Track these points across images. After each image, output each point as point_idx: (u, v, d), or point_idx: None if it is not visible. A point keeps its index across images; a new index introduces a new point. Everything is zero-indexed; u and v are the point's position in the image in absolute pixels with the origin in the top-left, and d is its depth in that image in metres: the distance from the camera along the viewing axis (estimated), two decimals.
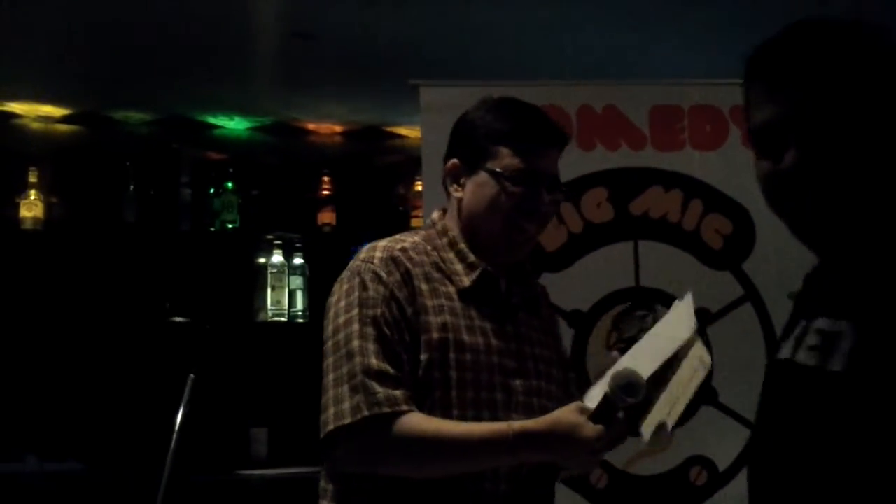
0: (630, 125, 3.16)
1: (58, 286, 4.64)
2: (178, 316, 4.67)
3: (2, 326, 4.52)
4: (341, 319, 1.93)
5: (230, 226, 4.80)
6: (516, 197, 1.99)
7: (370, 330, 1.89)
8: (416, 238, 2.06)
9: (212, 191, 4.88)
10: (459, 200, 2.05)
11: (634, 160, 3.15)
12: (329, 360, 1.93)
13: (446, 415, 1.88)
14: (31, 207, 4.72)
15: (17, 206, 4.72)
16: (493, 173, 1.99)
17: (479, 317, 1.98)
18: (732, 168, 3.15)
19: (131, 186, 4.81)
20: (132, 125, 5.03)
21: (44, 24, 3.91)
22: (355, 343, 1.89)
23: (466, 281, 1.99)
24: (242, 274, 4.68)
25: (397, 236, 2.06)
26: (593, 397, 1.82)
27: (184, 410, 3.06)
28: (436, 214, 2.12)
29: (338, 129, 5.08)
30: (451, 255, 2.02)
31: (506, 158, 1.99)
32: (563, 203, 3.09)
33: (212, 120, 5.06)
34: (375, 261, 1.97)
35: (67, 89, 4.72)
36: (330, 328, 1.96)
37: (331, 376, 1.91)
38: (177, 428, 3.04)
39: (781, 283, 3.08)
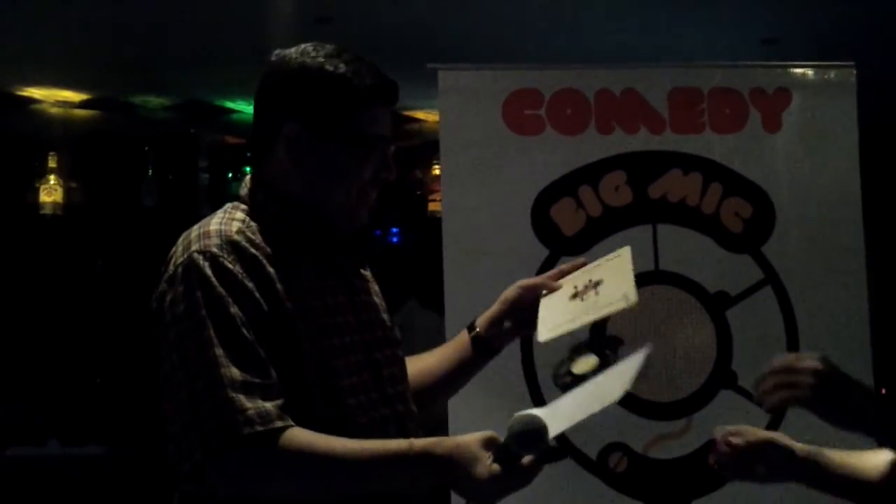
0: (649, 108, 3.14)
1: (77, 271, 4.66)
2: None
3: (22, 311, 4.55)
4: (185, 326, 1.62)
5: None
6: (374, 164, 1.76)
7: (224, 335, 1.61)
8: (240, 215, 1.75)
9: (230, 175, 4.90)
10: (292, 168, 1.75)
11: (653, 143, 3.13)
12: (177, 376, 1.62)
13: (332, 410, 1.67)
14: (51, 192, 4.75)
15: (36, 191, 4.75)
16: (352, 141, 1.74)
17: (331, 293, 1.75)
18: (752, 151, 3.13)
19: (150, 171, 4.83)
20: (150, 110, 5.04)
21: (62, 10, 3.92)
22: (209, 352, 1.60)
23: (312, 257, 1.75)
24: None
25: (219, 216, 1.75)
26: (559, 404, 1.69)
27: None
28: (251, 184, 1.80)
29: None
30: (287, 230, 1.74)
31: (362, 122, 1.75)
32: (581, 186, 3.14)
33: (229, 104, 5.07)
34: (213, 248, 1.66)
35: (86, 74, 4.74)
36: (171, 337, 1.64)
37: (183, 393, 1.61)
38: None
39: (801, 267, 3.06)
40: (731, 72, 3.19)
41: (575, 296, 1.94)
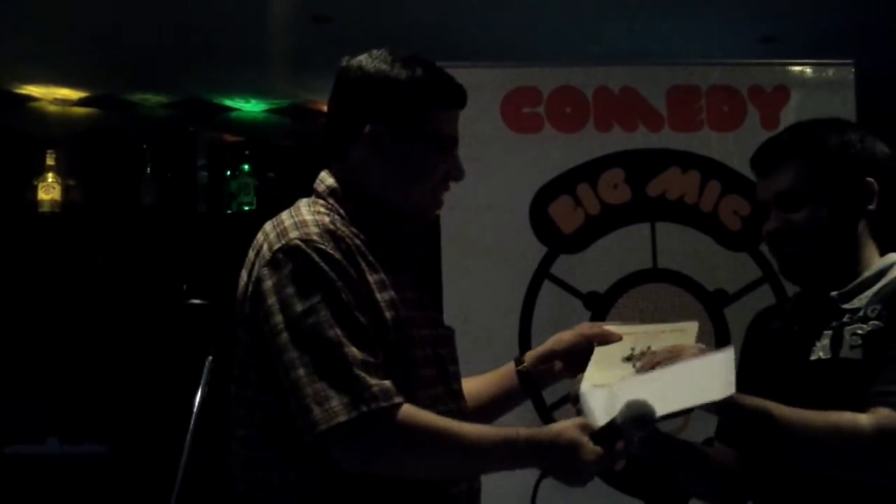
0: (647, 106, 3.15)
1: (76, 269, 4.66)
2: (196, 298, 4.69)
3: (20, 310, 4.55)
4: (299, 307, 1.69)
5: (246, 208, 4.82)
6: (447, 165, 1.87)
7: (341, 316, 1.69)
8: (324, 210, 1.83)
9: (228, 173, 4.90)
10: (371, 167, 1.84)
11: (652, 141, 3.14)
12: (292, 355, 1.68)
13: (410, 399, 1.72)
14: (49, 190, 4.75)
15: (34, 189, 4.75)
16: (428, 141, 1.84)
17: (406, 288, 1.83)
18: (750, 149, 3.09)
19: (148, 169, 4.82)
20: (149, 108, 5.04)
21: (61, 6, 3.92)
22: (329, 332, 1.67)
23: (386, 253, 1.83)
24: None
25: (304, 209, 1.82)
26: (592, 408, 1.78)
27: (202, 392, 3.07)
28: (330, 180, 1.88)
29: None
30: (365, 225, 1.83)
31: (439, 123, 1.85)
32: (580, 184, 3.14)
33: (228, 102, 5.06)
34: (315, 237, 1.73)
35: (84, 72, 4.74)
36: (279, 318, 1.70)
37: (301, 371, 1.67)
38: (195, 409, 3.05)
39: None
40: (730, 70, 3.20)
41: (629, 359, 1.95)
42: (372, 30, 4.01)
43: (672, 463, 2.04)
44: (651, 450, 1.98)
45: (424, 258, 1.99)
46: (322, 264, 1.71)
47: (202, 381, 3.08)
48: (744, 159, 3.15)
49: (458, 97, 1.90)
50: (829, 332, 1.90)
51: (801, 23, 4.16)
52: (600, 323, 2.09)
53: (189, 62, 4.55)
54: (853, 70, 3.17)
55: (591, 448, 1.70)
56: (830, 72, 3.19)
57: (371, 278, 1.76)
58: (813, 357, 1.89)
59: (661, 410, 1.69)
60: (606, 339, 2.01)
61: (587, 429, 1.72)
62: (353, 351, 1.67)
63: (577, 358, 2.01)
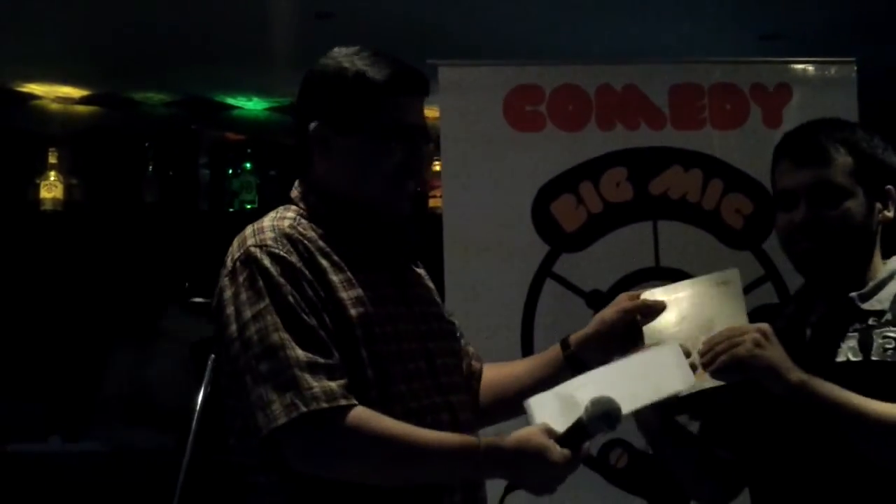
0: (650, 104, 3.14)
1: (78, 267, 4.66)
2: (198, 296, 4.69)
3: (23, 308, 4.56)
4: (248, 314, 1.70)
5: (249, 206, 4.82)
6: (401, 156, 1.81)
7: (287, 319, 1.68)
8: (291, 214, 1.82)
9: (230, 171, 4.90)
10: (328, 167, 1.83)
11: (654, 139, 3.13)
12: (241, 362, 1.70)
13: (384, 394, 1.73)
14: (51, 189, 4.75)
15: (36, 188, 4.75)
16: (373, 132, 1.80)
17: (382, 285, 1.81)
18: (753, 147, 3.13)
19: (150, 167, 4.83)
20: (151, 106, 5.04)
21: (63, 5, 3.92)
22: (274, 336, 1.67)
23: (361, 251, 1.81)
24: None
25: (271, 215, 1.83)
26: (538, 414, 1.75)
27: (205, 391, 3.07)
28: (298, 187, 1.88)
29: None
30: (335, 227, 1.82)
31: (388, 113, 1.80)
32: (582, 182, 3.14)
33: (230, 101, 5.07)
34: (269, 241, 1.74)
35: (87, 70, 4.74)
36: (233, 326, 1.72)
37: (248, 377, 1.68)
38: (198, 408, 3.05)
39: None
40: (732, 68, 3.19)
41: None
42: (374, 27, 4.01)
43: (676, 453, 2.04)
44: (662, 441, 1.98)
45: (414, 254, 1.98)
46: (272, 269, 1.72)
47: (205, 381, 3.08)
48: (746, 157, 3.18)
49: (406, 84, 1.84)
50: (855, 333, 1.90)
51: (803, 21, 4.15)
52: (638, 292, 2.03)
53: (191, 60, 4.55)
54: (855, 68, 3.16)
55: (559, 452, 1.67)
56: (832, 70, 3.19)
57: (335, 278, 1.75)
58: (840, 359, 1.89)
59: (626, 408, 1.70)
60: (649, 311, 1.98)
61: (552, 433, 1.69)
62: (297, 353, 1.67)
63: (624, 335, 1.98)
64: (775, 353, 1.81)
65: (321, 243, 1.78)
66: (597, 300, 3.06)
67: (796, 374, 1.80)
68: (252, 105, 5.10)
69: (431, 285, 2.02)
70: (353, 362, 1.72)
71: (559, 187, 3.10)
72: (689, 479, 2.10)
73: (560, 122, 3.13)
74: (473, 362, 2.06)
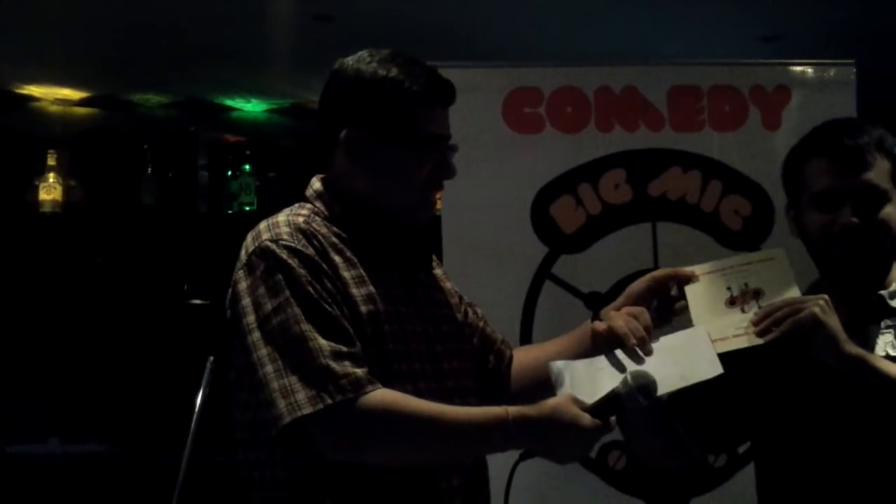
0: (649, 106, 3.14)
1: (77, 269, 4.66)
2: (197, 298, 4.70)
3: (22, 310, 4.55)
4: (269, 306, 1.72)
5: (247, 208, 4.82)
6: (432, 166, 1.84)
7: (310, 310, 1.70)
8: (305, 211, 1.85)
9: (229, 173, 4.90)
10: (354, 169, 1.85)
11: (653, 141, 3.13)
12: (262, 353, 1.71)
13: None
14: (50, 190, 4.75)
15: (35, 190, 4.75)
16: (408, 141, 1.81)
17: (393, 285, 1.83)
18: (752, 149, 3.13)
19: (149, 169, 4.83)
20: (150, 108, 5.04)
21: (62, 6, 3.92)
22: (296, 328, 1.69)
23: (373, 251, 1.84)
24: None
25: (286, 212, 1.85)
26: (568, 383, 1.78)
27: (203, 392, 3.07)
28: (318, 184, 1.90)
29: None
30: (350, 226, 1.84)
31: (419, 123, 1.82)
32: (581, 184, 3.13)
33: (229, 102, 5.07)
34: (285, 236, 1.76)
35: (85, 72, 4.74)
36: (251, 318, 1.73)
37: (269, 368, 1.69)
38: (197, 409, 3.05)
39: (798, 264, 3.07)
40: (731, 70, 3.19)
41: (733, 302, 1.93)
42: (374, 29, 4.02)
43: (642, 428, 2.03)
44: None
45: (428, 256, 2.00)
46: (290, 262, 1.73)
47: (203, 382, 3.08)
48: (745, 159, 3.18)
49: (441, 95, 1.86)
50: (890, 330, 1.91)
51: (802, 23, 4.16)
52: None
53: (190, 62, 4.55)
54: (854, 70, 3.17)
55: (589, 420, 1.68)
56: (832, 72, 3.19)
57: (347, 274, 1.77)
58: (879, 353, 1.88)
59: (663, 388, 1.73)
60: (679, 277, 1.97)
61: (579, 403, 1.71)
62: (321, 343, 1.68)
63: (658, 308, 1.98)
64: (835, 323, 1.80)
65: (334, 240, 1.80)
66: (596, 302, 3.06)
67: (853, 347, 1.80)
68: (251, 107, 5.10)
69: (449, 286, 2.04)
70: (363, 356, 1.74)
71: (558, 189, 3.10)
72: (643, 444, 2.11)
73: (559, 124, 3.12)
74: (503, 348, 2.09)
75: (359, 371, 1.69)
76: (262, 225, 1.81)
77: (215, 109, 5.07)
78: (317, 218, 1.83)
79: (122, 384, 4.54)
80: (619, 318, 1.92)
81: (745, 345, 1.85)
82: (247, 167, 4.90)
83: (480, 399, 1.91)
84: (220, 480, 4.15)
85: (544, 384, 1.92)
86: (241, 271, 1.78)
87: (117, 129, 4.95)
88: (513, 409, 1.71)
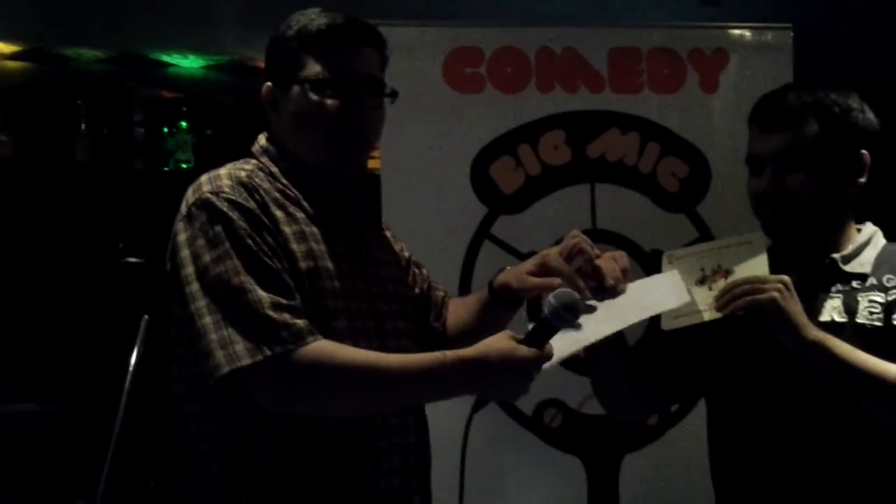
0: (589, 67, 3.15)
1: (8, 227, 4.58)
2: (132, 256, 4.64)
3: None
4: (207, 258, 1.72)
5: (184, 165, 4.75)
6: (331, 106, 1.83)
7: (249, 263, 1.70)
8: (248, 166, 1.86)
9: (165, 130, 4.82)
10: (279, 126, 1.89)
11: (593, 103, 3.14)
12: (200, 304, 1.70)
13: None
14: None
15: None
16: (302, 85, 1.83)
17: (335, 242, 1.84)
18: (689, 112, 3.16)
19: (83, 125, 4.74)
20: (84, 62, 4.94)
21: None
22: (235, 280, 1.69)
23: (314, 207, 1.85)
24: None
25: (228, 166, 1.86)
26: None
27: (138, 351, 3.04)
28: (263, 141, 1.93)
29: None
30: (290, 182, 1.86)
31: (314, 65, 1.83)
32: (520, 145, 3.14)
33: (166, 58, 4.98)
34: (226, 189, 1.76)
35: (17, 25, 4.62)
36: (190, 270, 1.73)
37: (207, 319, 1.69)
38: (131, 368, 3.03)
39: (734, 226, 3.10)
40: (670, 32, 3.21)
41: (703, 280, 1.96)
42: None
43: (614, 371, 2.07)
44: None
45: (371, 215, 2.01)
46: (230, 214, 1.73)
47: (138, 341, 3.06)
48: (683, 121, 3.20)
49: (340, 33, 1.86)
50: (839, 295, 1.93)
51: None
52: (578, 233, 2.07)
53: (126, 16, 4.46)
54: (791, 34, 3.20)
55: (525, 349, 1.70)
56: (769, 36, 3.22)
57: (288, 229, 1.78)
58: (825, 318, 1.91)
59: (616, 326, 1.81)
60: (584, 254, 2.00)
61: (514, 337, 1.73)
62: (261, 294, 1.68)
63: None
64: (795, 308, 1.82)
65: (276, 195, 1.81)
66: None
67: (813, 332, 1.82)
68: (188, 63, 5.02)
69: (399, 247, 2.07)
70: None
71: (498, 149, 3.10)
72: (611, 392, 2.15)
73: (500, 85, 3.12)
74: (438, 291, 2.14)
75: (299, 322, 1.69)
76: (204, 178, 1.81)
77: (152, 65, 4.98)
78: (259, 173, 1.84)
79: (55, 343, 4.48)
80: (603, 260, 1.99)
81: (705, 319, 1.90)
82: (183, 124, 4.83)
83: None
84: (155, 440, 4.13)
85: (473, 332, 1.99)
86: (181, 223, 1.78)
87: (50, 83, 4.84)
88: (450, 352, 1.73)
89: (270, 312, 1.67)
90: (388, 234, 2.06)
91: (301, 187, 1.86)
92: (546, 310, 1.72)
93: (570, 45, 3.15)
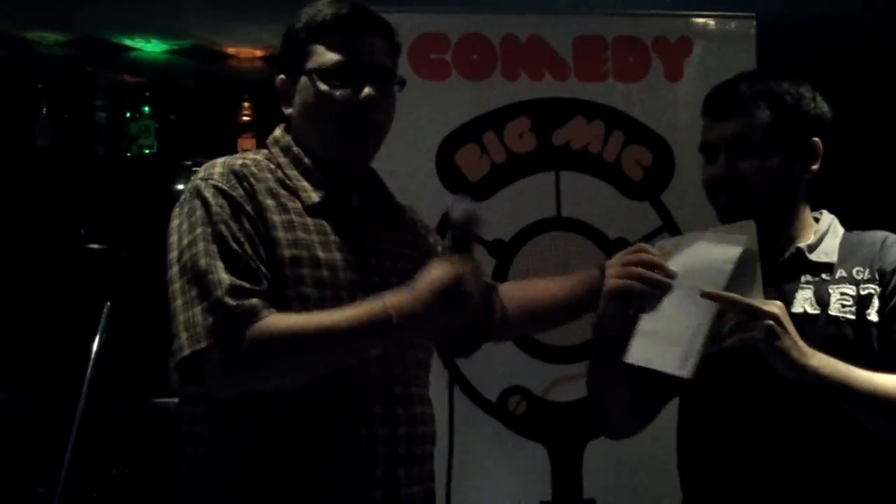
0: (554, 55, 3.16)
1: None
2: (94, 243, 4.59)
3: None
4: (185, 241, 1.78)
5: (147, 151, 4.70)
6: (339, 95, 1.86)
7: (217, 247, 1.75)
8: (257, 156, 1.92)
9: (128, 115, 4.77)
10: (291, 116, 1.94)
11: (558, 90, 3.16)
12: (175, 286, 1.77)
13: None
14: None
15: None
16: (310, 75, 1.87)
17: (332, 232, 1.86)
18: (654, 100, 3.18)
19: (44, 110, 4.67)
20: (45, 46, 4.88)
21: None
22: (202, 262, 1.74)
23: (315, 197, 1.87)
24: (159, 200, 4.59)
25: (236, 154, 1.93)
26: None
27: (100, 338, 3.02)
28: (278, 132, 1.98)
29: (259, 53, 4.98)
30: (296, 173, 1.89)
31: (321, 56, 1.87)
32: (486, 132, 3.14)
33: (128, 42, 4.92)
34: (216, 176, 1.83)
35: None
36: (174, 254, 1.80)
37: (178, 301, 1.75)
38: (93, 356, 3.00)
39: (697, 214, 3.13)
40: (635, 20, 3.23)
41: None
42: None
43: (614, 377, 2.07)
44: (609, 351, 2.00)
45: (387, 209, 2.02)
46: (212, 200, 1.79)
47: (100, 328, 3.03)
48: (647, 109, 3.22)
49: (334, 24, 1.88)
50: (809, 286, 1.94)
51: None
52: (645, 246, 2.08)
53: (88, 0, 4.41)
54: (754, 23, 3.22)
55: (454, 259, 1.76)
56: (733, 24, 3.24)
57: (277, 217, 1.81)
58: (797, 309, 1.92)
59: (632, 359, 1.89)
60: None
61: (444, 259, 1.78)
62: (222, 276, 1.72)
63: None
64: (789, 341, 1.79)
65: (272, 184, 1.85)
66: (499, 249, 3.08)
67: (810, 361, 1.80)
68: (151, 47, 4.97)
69: (431, 240, 2.10)
70: (280, 302, 1.76)
71: (463, 137, 3.11)
72: (606, 403, 2.14)
73: (465, 72, 3.13)
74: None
75: (254, 300, 1.72)
76: (205, 165, 1.88)
77: (114, 49, 4.92)
78: (261, 162, 1.89)
79: (16, 330, 4.43)
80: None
81: (682, 376, 1.88)
82: (146, 109, 4.77)
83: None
84: (116, 428, 4.10)
85: (539, 317, 2.11)
86: (176, 209, 1.86)
87: (10, 67, 4.78)
88: (387, 296, 1.74)
89: (226, 295, 1.70)
90: (418, 226, 2.09)
91: (306, 178, 1.89)
92: (454, 215, 1.80)
93: (536, 33, 3.15)
